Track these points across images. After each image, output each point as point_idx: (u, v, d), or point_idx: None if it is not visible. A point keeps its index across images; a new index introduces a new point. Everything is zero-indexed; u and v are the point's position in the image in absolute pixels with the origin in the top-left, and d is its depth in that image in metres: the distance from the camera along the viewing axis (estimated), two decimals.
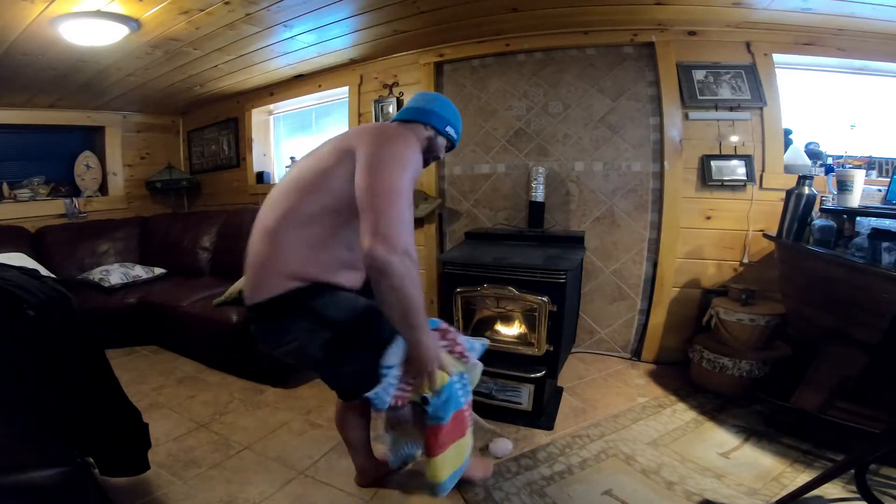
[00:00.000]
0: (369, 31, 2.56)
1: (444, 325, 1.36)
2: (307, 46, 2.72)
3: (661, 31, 2.40)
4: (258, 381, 2.46)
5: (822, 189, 2.15)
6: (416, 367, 1.17)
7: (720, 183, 2.41)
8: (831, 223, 1.88)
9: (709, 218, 2.48)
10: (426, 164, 1.36)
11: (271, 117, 4.01)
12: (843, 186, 1.93)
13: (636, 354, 2.70)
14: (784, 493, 1.47)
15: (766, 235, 2.29)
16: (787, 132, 2.42)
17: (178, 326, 2.82)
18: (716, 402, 2.14)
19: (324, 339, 1.13)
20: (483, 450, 1.79)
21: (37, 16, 2.02)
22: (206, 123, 4.22)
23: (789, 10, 2.07)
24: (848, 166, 2.29)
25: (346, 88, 3.27)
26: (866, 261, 1.64)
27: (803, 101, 2.49)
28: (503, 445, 1.78)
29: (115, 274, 3.15)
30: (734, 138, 2.41)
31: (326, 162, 1.16)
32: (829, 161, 2.38)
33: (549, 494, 1.54)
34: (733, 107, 2.39)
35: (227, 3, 2.05)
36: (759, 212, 2.38)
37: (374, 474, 1.59)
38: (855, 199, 1.93)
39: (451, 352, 1.30)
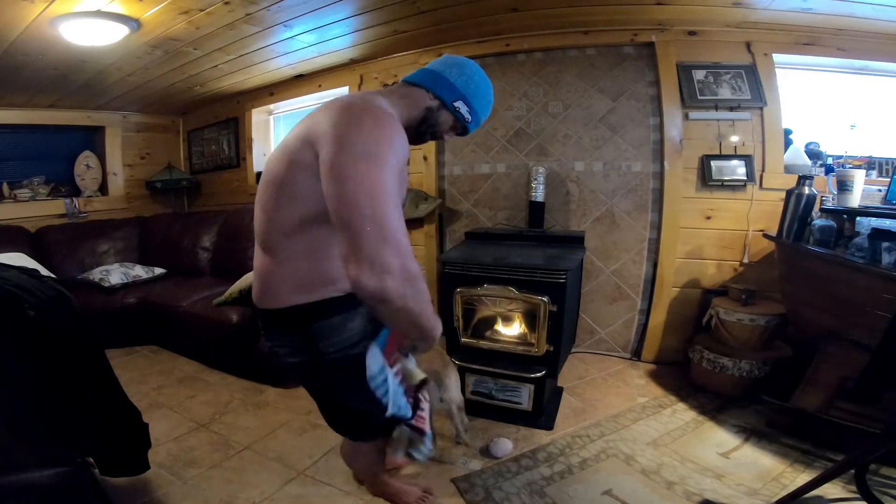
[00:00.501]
0: (369, 31, 2.56)
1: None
2: (307, 46, 2.72)
3: (661, 31, 2.40)
4: (258, 381, 2.46)
5: (823, 189, 2.15)
6: (415, 341, 1.06)
7: (720, 183, 2.41)
8: (831, 223, 1.88)
9: (709, 218, 2.48)
10: (420, 140, 1.12)
11: (271, 117, 4.01)
12: (843, 186, 1.93)
13: (636, 354, 2.70)
14: (784, 493, 1.47)
15: (766, 235, 2.29)
16: (788, 132, 2.42)
17: (178, 326, 2.82)
18: (716, 402, 2.14)
19: (302, 360, 1.06)
20: (483, 450, 1.80)
21: (37, 16, 2.01)
22: (206, 123, 4.22)
23: (789, 10, 2.07)
24: (848, 166, 2.29)
25: (346, 88, 3.26)
26: (866, 261, 1.64)
27: (803, 101, 2.49)
28: (503, 445, 1.78)
29: (115, 274, 3.15)
30: (734, 138, 2.40)
31: (285, 164, 0.95)
32: (830, 161, 2.38)
33: (549, 494, 1.54)
34: (733, 107, 2.39)
35: (227, 3, 2.04)
36: (759, 212, 2.38)
37: (385, 481, 1.54)
38: (855, 199, 1.92)
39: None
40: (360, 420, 1.18)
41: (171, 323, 2.85)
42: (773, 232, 2.14)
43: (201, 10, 2.10)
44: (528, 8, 2.25)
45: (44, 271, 1.39)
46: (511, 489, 1.57)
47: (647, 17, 2.32)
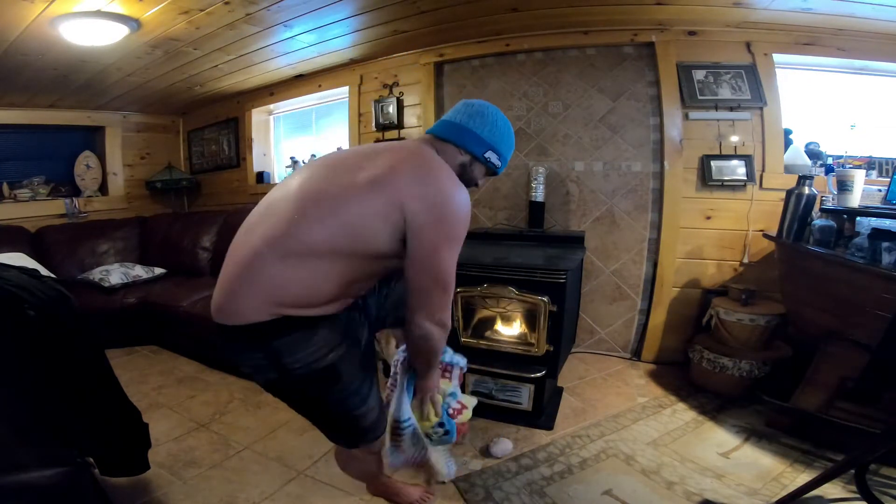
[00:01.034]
0: (369, 31, 2.56)
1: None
2: (307, 46, 2.72)
3: (661, 31, 2.40)
4: None
5: (823, 189, 2.14)
6: (422, 393, 1.27)
7: (720, 183, 2.41)
8: (831, 223, 1.88)
9: (709, 218, 2.48)
10: None
11: (271, 117, 4.01)
12: (844, 186, 1.93)
13: (636, 354, 2.70)
14: (784, 493, 1.47)
15: (766, 235, 2.29)
16: (787, 132, 2.42)
17: (178, 326, 2.82)
18: (716, 402, 2.14)
19: (268, 378, 1.07)
20: (483, 450, 1.80)
21: (37, 16, 2.01)
22: (206, 123, 4.22)
23: (789, 10, 2.07)
24: (848, 166, 2.29)
25: (346, 88, 3.27)
26: (866, 261, 1.64)
27: (803, 101, 2.48)
28: (503, 445, 1.78)
29: (115, 274, 3.15)
30: (734, 138, 2.40)
31: (361, 194, 0.98)
32: (829, 161, 2.38)
33: (549, 494, 1.54)
34: (733, 107, 2.38)
35: (227, 3, 2.04)
36: (759, 212, 2.38)
37: (384, 482, 1.54)
38: (855, 199, 1.92)
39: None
40: (347, 427, 1.21)
41: (171, 323, 2.85)
42: (773, 232, 2.14)
43: (201, 10, 2.10)
44: (528, 8, 2.25)
45: (44, 271, 1.38)
46: (511, 489, 1.57)
47: (647, 17, 2.32)
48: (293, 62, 3.03)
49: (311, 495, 1.57)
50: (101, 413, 1.31)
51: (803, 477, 1.56)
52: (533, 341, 2.04)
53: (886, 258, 1.57)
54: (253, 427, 2.02)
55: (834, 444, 1.72)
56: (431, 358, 1.19)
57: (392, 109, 3.04)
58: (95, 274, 3.13)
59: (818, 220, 1.91)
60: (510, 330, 2.16)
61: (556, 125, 2.68)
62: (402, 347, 1.28)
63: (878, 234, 1.65)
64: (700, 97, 2.40)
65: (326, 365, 1.05)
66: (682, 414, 2.07)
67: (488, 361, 2.06)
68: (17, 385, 1.09)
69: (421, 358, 1.19)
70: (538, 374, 1.97)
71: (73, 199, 3.79)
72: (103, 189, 4.07)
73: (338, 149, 3.33)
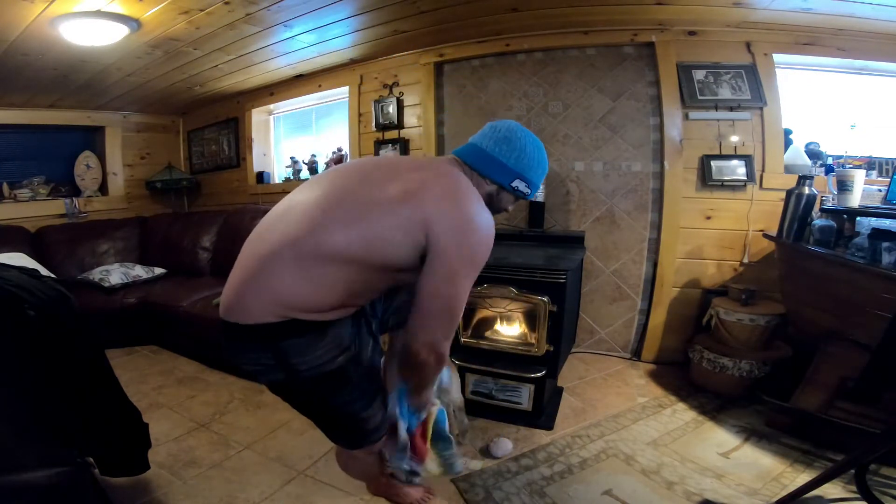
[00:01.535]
0: (369, 31, 2.56)
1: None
2: (307, 46, 2.72)
3: (661, 31, 2.40)
4: (258, 381, 2.45)
5: (823, 189, 2.14)
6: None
7: (720, 183, 2.41)
8: (831, 223, 1.88)
9: (709, 218, 2.48)
10: None
11: (271, 117, 4.01)
12: (844, 186, 1.93)
13: (636, 354, 2.70)
14: (784, 493, 1.47)
15: (766, 235, 2.29)
16: (788, 132, 2.42)
17: (178, 326, 2.82)
18: (716, 402, 2.14)
19: (275, 379, 1.07)
20: (483, 450, 1.80)
21: (37, 16, 2.01)
22: (206, 123, 4.22)
23: (789, 10, 2.07)
24: (848, 166, 2.28)
25: (346, 88, 3.27)
26: (866, 261, 1.64)
27: (803, 101, 2.48)
28: (503, 445, 1.78)
29: (115, 274, 3.15)
30: (734, 138, 2.40)
31: (385, 209, 0.98)
32: (830, 161, 2.38)
33: (549, 494, 1.54)
34: (733, 107, 2.38)
35: (227, 3, 2.04)
36: (759, 212, 2.38)
37: (385, 482, 1.54)
38: (855, 199, 1.92)
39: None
40: (351, 428, 1.20)
41: (171, 323, 2.85)
42: (773, 232, 2.14)
43: (201, 10, 2.10)
44: (528, 8, 2.25)
45: (44, 271, 1.38)
46: (511, 489, 1.57)
47: (647, 17, 2.32)
48: (293, 62, 3.03)
49: (311, 495, 1.57)
50: (101, 413, 1.31)
51: (803, 477, 1.56)
52: (533, 341, 2.04)
53: (886, 258, 1.57)
54: (253, 427, 2.02)
55: (834, 444, 1.72)
56: (423, 383, 1.17)
57: (392, 109, 3.04)
58: (95, 274, 3.13)
59: (818, 220, 1.91)
60: (510, 330, 2.16)
61: (556, 125, 2.68)
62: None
63: (878, 234, 1.65)
64: (700, 97, 2.40)
65: (335, 368, 1.05)
66: (682, 414, 2.07)
67: (488, 361, 2.06)
68: (17, 385, 1.09)
69: (412, 386, 1.19)
70: (538, 374, 1.97)
71: (73, 199, 3.79)
72: (103, 189, 4.06)
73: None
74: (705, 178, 2.43)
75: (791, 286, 2.06)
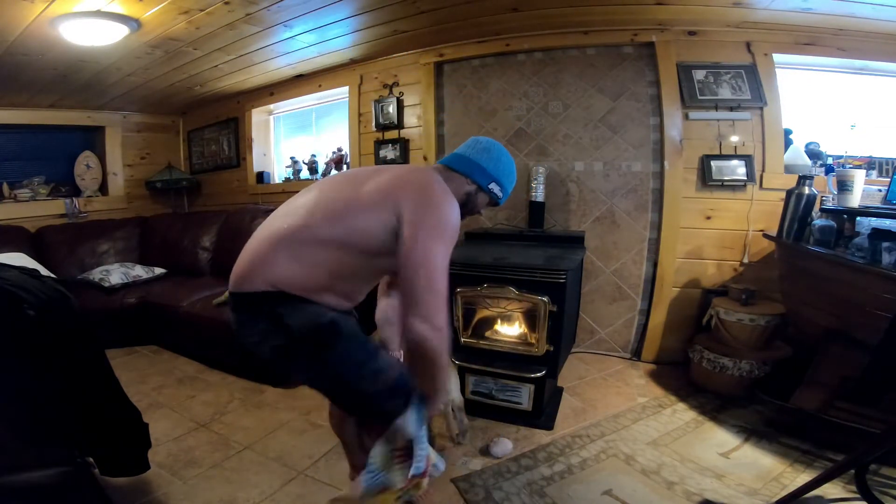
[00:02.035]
0: (369, 31, 2.56)
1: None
2: (307, 46, 2.72)
3: (661, 31, 2.40)
4: (258, 381, 2.46)
5: (823, 189, 2.14)
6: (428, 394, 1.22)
7: (720, 183, 2.41)
8: (831, 223, 1.88)
9: (709, 218, 2.48)
10: (462, 217, 1.25)
11: (271, 117, 4.01)
12: (844, 186, 1.93)
13: (636, 354, 2.70)
14: (784, 493, 1.47)
15: (766, 235, 2.29)
16: (788, 132, 2.42)
17: (178, 326, 2.81)
18: (716, 402, 2.14)
19: (275, 343, 1.13)
20: (483, 450, 1.80)
21: (37, 16, 2.01)
22: (206, 123, 4.22)
23: (789, 10, 2.07)
24: (848, 166, 2.29)
25: (346, 88, 3.27)
26: (866, 261, 1.64)
27: (803, 101, 2.48)
28: (503, 445, 1.78)
29: (115, 274, 3.15)
30: (734, 138, 2.40)
31: (365, 201, 1.14)
32: (830, 161, 2.38)
33: (549, 494, 1.54)
34: (733, 107, 2.38)
35: (227, 3, 2.04)
36: (759, 212, 2.38)
37: None
38: (855, 199, 1.92)
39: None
40: (362, 391, 1.18)
41: (171, 323, 2.85)
42: (773, 232, 2.14)
43: (201, 10, 2.10)
44: (528, 8, 2.25)
45: (44, 271, 1.38)
46: (511, 489, 1.57)
47: (647, 17, 2.32)
48: (293, 62, 3.03)
49: (311, 495, 1.57)
50: (101, 413, 1.31)
51: (803, 477, 1.56)
52: (533, 341, 2.04)
53: (886, 258, 1.57)
54: (253, 427, 2.02)
55: (834, 444, 1.72)
56: (432, 368, 1.13)
57: (392, 109, 3.04)
58: (95, 274, 3.13)
59: (818, 220, 1.91)
60: (510, 330, 2.16)
61: (556, 125, 2.68)
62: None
63: (878, 234, 1.65)
64: (700, 97, 2.40)
65: (327, 321, 1.12)
66: (682, 414, 2.07)
67: (488, 361, 2.06)
68: (17, 385, 1.09)
69: (422, 370, 1.15)
70: (538, 374, 1.97)
71: (73, 199, 3.79)
72: (103, 189, 4.07)
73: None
74: (705, 178, 2.43)
75: (791, 286, 2.06)
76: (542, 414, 2.02)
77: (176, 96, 3.70)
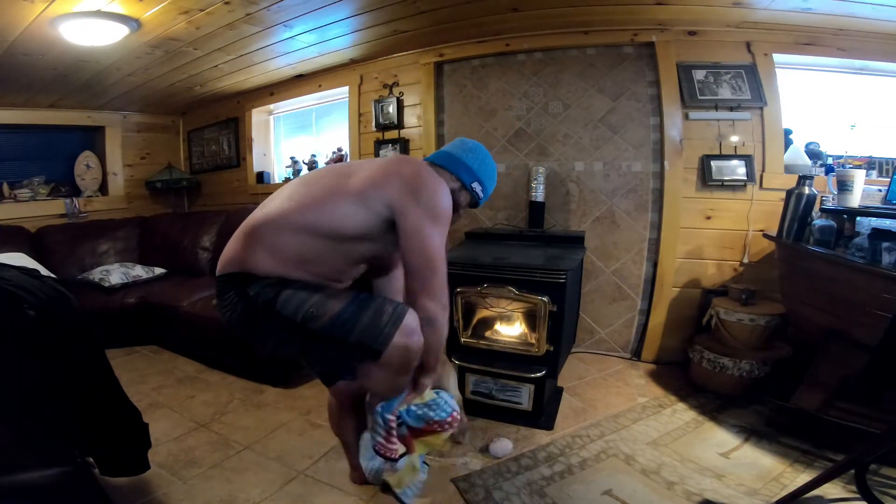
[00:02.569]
0: (369, 31, 2.56)
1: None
2: (307, 46, 2.72)
3: (661, 31, 2.40)
4: (258, 381, 2.46)
5: (823, 189, 2.14)
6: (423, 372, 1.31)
7: (720, 183, 2.41)
8: (831, 223, 1.88)
9: (709, 218, 2.48)
10: None
11: (271, 117, 4.01)
12: (844, 186, 1.93)
13: (636, 354, 2.70)
14: (784, 493, 1.47)
15: (766, 235, 2.29)
16: (788, 132, 2.42)
17: (178, 326, 2.81)
18: (716, 402, 2.14)
19: (239, 310, 1.21)
20: (483, 450, 1.80)
21: (37, 16, 2.01)
22: (206, 123, 4.22)
23: (789, 10, 2.07)
24: (848, 166, 2.29)
25: (346, 88, 3.27)
26: (866, 261, 1.64)
27: (803, 101, 2.48)
28: (503, 445, 1.78)
29: (115, 274, 3.15)
30: (734, 138, 2.40)
31: (349, 190, 1.20)
32: (830, 161, 2.38)
33: (549, 494, 1.54)
34: (733, 107, 2.39)
35: (227, 3, 2.04)
36: (759, 212, 2.38)
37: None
38: (855, 199, 1.92)
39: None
40: (317, 337, 1.20)
41: (171, 323, 2.85)
42: (773, 232, 2.14)
43: (201, 10, 2.10)
44: (528, 8, 2.25)
45: (44, 271, 1.38)
46: (511, 489, 1.57)
47: (647, 17, 2.32)
48: (293, 62, 3.03)
49: (312, 495, 1.57)
50: (101, 413, 1.31)
51: (803, 477, 1.56)
52: (533, 341, 2.04)
53: (886, 258, 1.57)
54: (253, 427, 2.02)
55: (834, 444, 1.72)
56: (438, 341, 1.25)
57: (392, 109, 3.05)
58: (95, 274, 3.13)
59: (818, 220, 1.91)
60: (510, 330, 2.16)
61: (556, 125, 2.68)
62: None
63: (878, 234, 1.65)
64: (700, 97, 2.40)
65: (275, 280, 1.20)
66: (682, 414, 2.07)
67: (488, 361, 2.06)
68: (17, 385, 1.09)
69: (431, 346, 1.24)
70: (538, 374, 1.97)
71: (73, 199, 3.79)
72: (103, 189, 4.07)
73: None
74: (705, 178, 2.43)
75: (791, 286, 2.06)
76: (542, 414, 2.02)
77: (176, 96, 3.70)
